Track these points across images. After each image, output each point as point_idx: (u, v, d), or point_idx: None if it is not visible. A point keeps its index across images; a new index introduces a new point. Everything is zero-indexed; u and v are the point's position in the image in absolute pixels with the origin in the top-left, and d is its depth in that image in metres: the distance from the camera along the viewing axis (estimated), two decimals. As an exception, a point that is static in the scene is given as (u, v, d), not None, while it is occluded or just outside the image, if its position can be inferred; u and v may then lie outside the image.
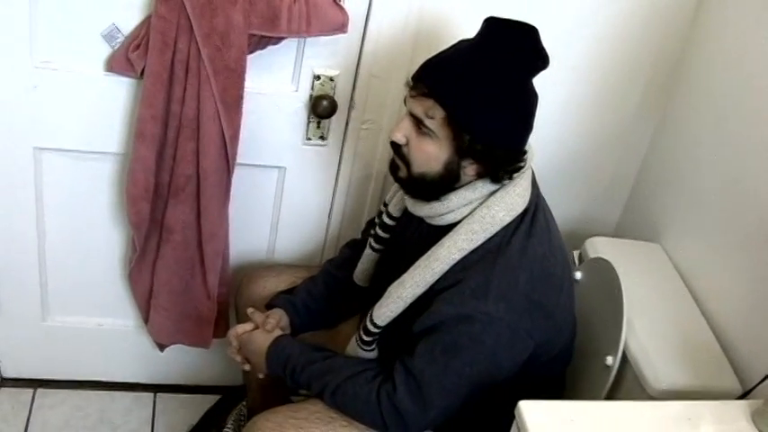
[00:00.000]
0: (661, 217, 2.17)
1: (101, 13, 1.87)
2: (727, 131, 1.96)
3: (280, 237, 2.30)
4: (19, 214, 2.13)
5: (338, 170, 2.19)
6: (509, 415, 1.52)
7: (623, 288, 1.85)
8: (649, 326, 1.87)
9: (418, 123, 1.58)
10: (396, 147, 1.64)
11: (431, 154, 1.59)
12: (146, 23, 1.85)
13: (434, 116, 1.55)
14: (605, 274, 1.92)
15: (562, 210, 1.81)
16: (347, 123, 2.11)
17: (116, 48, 1.91)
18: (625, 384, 1.84)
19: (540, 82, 1.61)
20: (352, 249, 2.06)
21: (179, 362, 2.50)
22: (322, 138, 2.12)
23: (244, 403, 2.35)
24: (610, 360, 1.83)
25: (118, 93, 1.97)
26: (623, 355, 1.83)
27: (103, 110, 2.00)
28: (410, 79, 1.61)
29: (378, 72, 2.03)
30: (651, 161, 2.25)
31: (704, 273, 1.99)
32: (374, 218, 1.96)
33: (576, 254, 2.15)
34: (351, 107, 2.08)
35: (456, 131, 1.54)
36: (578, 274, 2.04)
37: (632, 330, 1.84)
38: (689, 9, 2.08)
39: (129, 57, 1.88)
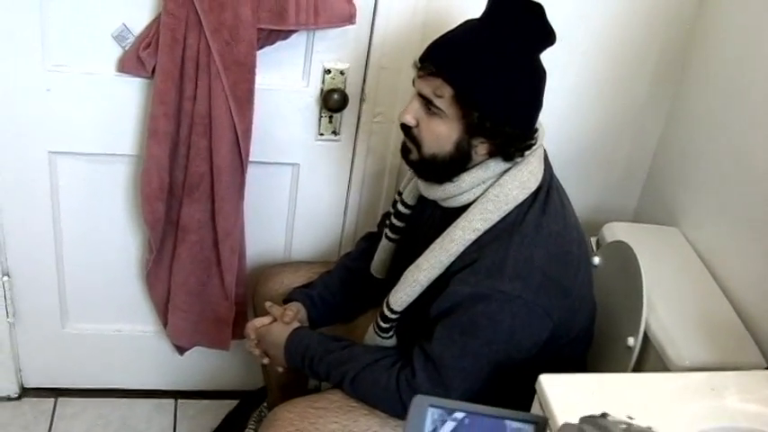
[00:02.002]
0: (678, 201, 2.15)
1: (110, 15, 1.89)
2: (742, 111, 1.94)
3: (296, 235, 2.29)
4: (35, 220, 2.15)
5: (352, 165, 2.19)
6: (531, 399, 1.51)
7: (642, 269, 1.83)
8: (670, 305, 1.85)
9: (427, 104, 1.58)
10: (406, 129, 1.64)
11: (441, 134, 1.58)
12: (155, 22, 1.87)
13: (443, 95, 1.55)
14: (623, 257, 1.90)
15: (579, 199, 1.80)
16: (359, 117, 2.11)
17: (127, 48, 1.93)
18: (647, 365, 1.82)
19: (549, 69, 1.61)
20: (368, 242, 2.05)
21: (199, 367, 2.49)
22: (334, 133, 2.12)
23: (265, 404, 2.35)
24: (631, 341, 1.81)
25: (130, 93, 1.98)
26: (644, 335, 1.81)
27: (116, 111, 2.01)
28: (417, 60, 1.61)
29: (387, 64, 2.03)
30: (666, 145, 2.24)
31: (723, 253, 1.97)
32: (389, 210, 1.95)
33: (593, 240, 2.13)
34: (362, 100, 2.08)
35: (465, 109, 1.54)
36: (596, 260, 2.02)
37: (653, 310, 1.82)
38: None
39: (139, 55, 1.90)
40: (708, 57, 2.08)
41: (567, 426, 0.77)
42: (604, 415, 0.72)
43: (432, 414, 0.78)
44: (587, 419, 0.74)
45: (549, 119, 1.69)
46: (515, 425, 0.77)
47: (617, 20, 2.07)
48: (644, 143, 2.27)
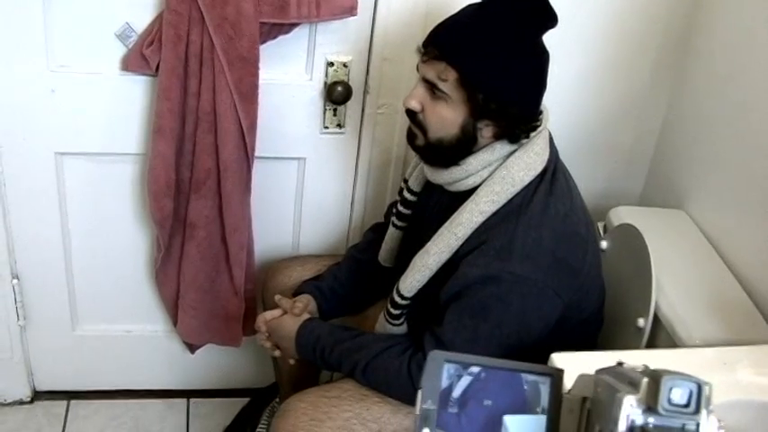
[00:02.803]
0: (684, 183, 2.16)
1: (113, 14, 1.90)
2: (742, 92, 1.95)
3: (303, 229, 2.30)
4: (43, 222, 2.15)
5: (357, 157, 2.19)
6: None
7: (650, 250, 1.83)
8: (679, 286, 1.85)
9: (432, 88, 1.59)
10: (411, 114, 1.64)
11: (446, 118, 1.59)
12: (158, 19, 1.88)
13: (447, 78, 1.55)
14: (631, 239, 1.91)
15: (584, 185, 1.80)
16: (363, 109, 2.12)
17: (130, 46, 1.94)
18: (658, 346, 1.82)
19: (552, 57, 1.62)
20: (376, 233, 2.06)
21: (210, 365, 2.50)
22: (339, 126, 2.13)
23: (277, 400, 2.35)
24: (641, 322, 1.82)
25: (135, 92, 2.00)
26: (655, 316, 1.81)
27: (121, 110, 2.02)
28: (420, 45, 1.62)
29: (390, 55, 2.04)
30: (669, 129, 2.24)
31: (730, 232, 1.97)
32: (396, 199, 1.96)
33: (600, 226, 2.14)
34: (366, 92, 2.09)
35: (469, 91, 1.55)
36: (604, 244, 2.03)
37: (662, 291, 1.82)
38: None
39: (143, 53, 1.91)
40: (708, 40, 2.09)
41: (583, 376, 0.78)
42: (620, 363, 0.73)
43: (448, 369, 0.79)
44: (604, 370, 0.75)
45: (552, 107, 1.70)
46: (531, 378, 0.78)
47: (618, 5, 2.08)
48: (647, 127, 2.27)
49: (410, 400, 1.68)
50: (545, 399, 0.78)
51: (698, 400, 0.70)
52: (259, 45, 1.89)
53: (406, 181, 1.89)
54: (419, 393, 0.79)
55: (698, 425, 0.70)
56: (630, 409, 0.70)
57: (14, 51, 1.90)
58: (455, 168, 1.64)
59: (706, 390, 0.70)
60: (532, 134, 1.63)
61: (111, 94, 2.00)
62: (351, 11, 1.92)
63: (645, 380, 0.70)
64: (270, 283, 2.13)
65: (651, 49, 2.16)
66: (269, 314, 1.93)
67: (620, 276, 1.93)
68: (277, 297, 1.95)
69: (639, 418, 0.70)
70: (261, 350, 2.32)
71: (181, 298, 2.20)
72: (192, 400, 2.56)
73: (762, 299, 1.81)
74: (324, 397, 1.75)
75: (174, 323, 2.29)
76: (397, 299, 1.73)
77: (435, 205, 1.78)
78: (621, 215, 2.09)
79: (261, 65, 1.91)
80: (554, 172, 1.66)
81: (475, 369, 0.79)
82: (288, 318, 1.89)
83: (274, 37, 1.94)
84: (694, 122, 2.13)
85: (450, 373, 0.79)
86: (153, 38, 1.89)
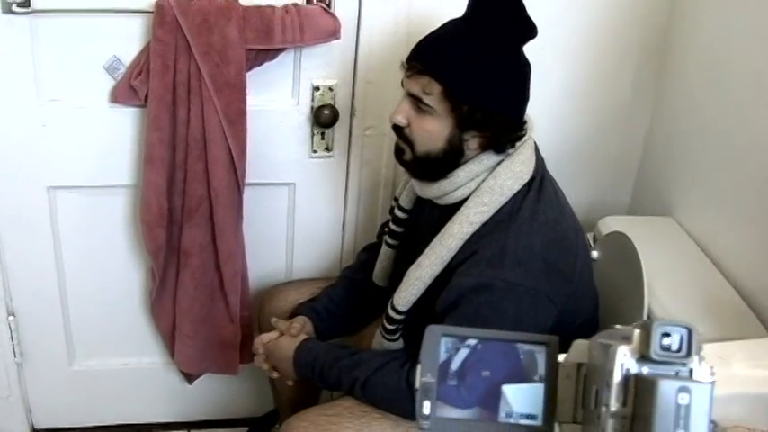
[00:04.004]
0: (671, 191, 2.18)
1: (101, 47, 1.93)
2: (722, 98, 1.98)
3: (296, 254, 2.31)
4: (38, 257, 2.16)
5: (347, 180, 2.22)
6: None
7: (641, 257, 1.85)
8: (671, 290, 1.87)
9: (417, 102, 1.61)
10: (398, 130, 1.67)
11: (433, 131, 1.61)
12: (145, 50, 1.91)
13: (432, 92, 1.58)
14: (621, 247, 1.92)
15: (573, 197, 1.82)
16: (350, 132, 2.14)
17: (118, 78, 1.96)
18: (653, 350, 1.83)
19: (533, 72, 1.65)
20: (369, 253, 2.07)
21: (209, 396, 2.50)
22: (327, 149, 2.15)
23: (278, 426, 2.35)
24: (635, 327, 1.83)
25: (124, 123, 2.02)
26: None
27: (112, 142, 2.04)
28: (404, 61, 1.65)
29: (374, 77, 2.07)
30: (653, 138, 2.27)
31: (718, 236, 1.99)
32: (387, 218, 1.98)
33: (590, 236, 2.16)
34: (352, 114, 2.11)
35: (454, 103, 1.57)
36: (595, 254, 2.03)
37: (654, 296, 1.83)
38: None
39: (132, 84, 1.93)
40: (686, 48, 2.12)
41: (578, 343, 0.79)
42: (613, 327, 0.75)
43: (445, 343, 0.81)
44: (598, 335, 0.77)
45: (537, 121, 1.73)
46: (527, 347, 0.80)
47: (593, 19, 2.12)
48: (632, 138, 2.30)
49: (410, 415, 1.69)
50: (542, 367, 0.80)
51: (689, 344, 0.72)
52: (245, 71, 1.92)
53: (396, 199, 1.91)
54: (418, 367, 0.81)
55: (691, 370, 0.72)
56: (624, 358, 0.72)
57: (4, 87, 1.92)
58: (443, 181, 1.66)
59: (696, 334, 0.72)
60: (518, 144, 1.65)
61: (101, 127, 2.02)
62: (334, 34, 1.96)
63: (636, 331, 0.72)
64: (266, 308, 2.14)
65: (631, 61, 2.20)
66: (266, 336, 1.93)
67: (612, 284, 1.94)
68: (273, 319, 1.96)
69: (634, 367, 0.72)
70: (259, 378, 2.34)
71: (177, 328, 2.21)
72: (191, 432, 2.56)
73: (752, 296, 1.83)
74: (324, 415, 1.75)
75: (172, 354, 2.29)
76: (392, 313, 1.74)
77: (426, 221, 1.80)
78: (611, 225, 2.10)
79: (248, 92, 1.94)
80: (541, 180, 1.68)
81: (472, 341, 0.81)
82: (285, 339, 1.89)
83: (260, 63, 1.97)
84: (678, 131, 2.16)
85: (447, 347, 0.81)
86: (141, 68, 1.92)
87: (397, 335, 1.78)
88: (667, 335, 0.72)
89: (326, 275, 2.28)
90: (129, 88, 1.95)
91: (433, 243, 1.67)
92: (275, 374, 1.93)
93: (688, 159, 2.12)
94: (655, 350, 0.70)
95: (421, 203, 1.83)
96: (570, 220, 1.71)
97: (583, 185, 2.32)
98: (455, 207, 1.67)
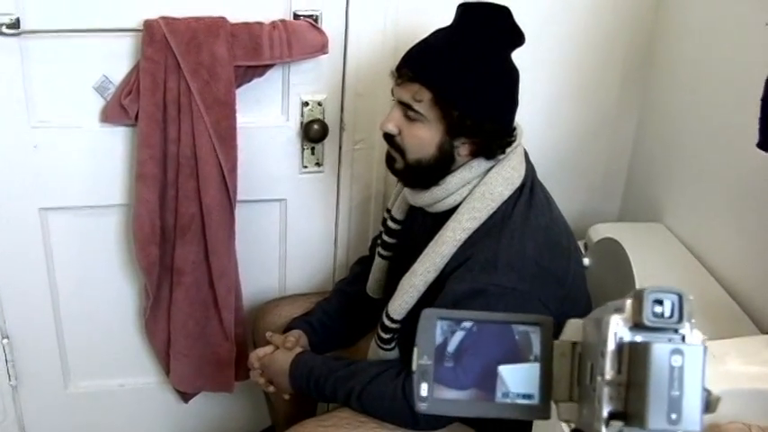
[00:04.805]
0: (660, 197, 2.20)
1: (91, 67, 1.94)
2: (707, 104, 2.01)
3: (289, 270, 2.32)
4: (31, 279, 2.16)
5: (338, 195, 2.23)
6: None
7: (632, 262, 1.87)
8: (663, 293, 1.88)
9: (407, 110, 1.63)
10: (389, 138, 1.69)
11: (423, 138, 1.63)
12: (135, 70, 1.92)
13: (422, 99, 1.60)
14: (612, 252, 1.95)
15: (563, 206, 1.83)
16: (340, 147, 2.16)
17: (108, 98, 1.97)
18: (648, 353, 1.84)
19: (520, 83, 1.67)
20: (362, 265, 2.08)
21: (205, 414, 2.49)
22: (318, 164, 2.16)
23: (274, 442, 2.34)
24: (629, 331, 1.83)
25: (115, 143, 2.03)
26: (641, 324, 1.83)
27: (103, 162, 2.05)
28: (394, 70, 1.67)
29: (363, 90, 2.09)
30: (641, 145, 2.30)
31: (707, 239, 2.01)
32: (379, 232, 1.99)
33: (581, 244, 2.17)
34: (342, 129, 2.13)
35: (444, 109, 1.59)
36: (586, 261, 2.05)
37: (647, 299, 1.85)
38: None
39: (122, 103, 1.94)
40: (670, 55, 2.15)
41: (572, 322, 0.81)
42: (605, 304, 0.76)
43: (441, 326, 0.82)
44: (592, 312, 0.78)
45: (524, 131, 1.75)
46: (521, 328, 0.81)
47: (577, 28, 2.14)
48: (620, 145, 2.33)
49: (407, 424, 1.70)
50: (536, 347, 0.81)
51: (680, 310, 0.73)
52: (235, 88, 1.94)
53: (389, 211, 1.92)
54: (415, 350, 0.82)
55: (683, 336, 0.73)
56: (617, 327, 0.73)
57: (-5, 109, 1.93)
58: (435, 189, 1.68)
59: (687, 300, 0.73)
60: (508, 150, 1.67)
61: (93, 147, 2.03)
62: (322, 49, 1.98)
63: (629, 301, 0.74)
64: (260, 324, 2.14)
65: (616, 70, 2.22)
66: (261, 351, 1.94)
67: (605, 291, 1.95)
68: (268, 334, 1.96)
69: (627, 335, 0.73)
70: (255, 395, 2.34)
71: (172, 346, 2.21)
72: (188, 452, 2.54)
73: (743, 297, 1.85)
74: (321, 426, 1.76)
75: (167, 372, 2.29)
76: (387, 322, 1.75)
77: (419, 230, 1.81)
78: (601, 232, 2.12)
79: (238, 109, 1.95)
80: (532, 186, 1.70)
81: (467, 324, 0.82)
82: (280, 353, 1.90)
83: (249, 80, 1.99)
84: (664, 139, 2.18)
85: (443, 330, 0.82)
86: (131, 87, 1.93)
87: (393, 344, 1.79)
88: (659, 302, 0.72)
89: (320, 290, 2.29)
90: (120, 107, 1.95)
91: (426, 250, 1.68)
92: (271, 389, 1.93)
93: (675, 166, 2.14)
94: (647, 316, 0.71)
95: (413, 214, 1.84)
96: (561, 226, 1.73)
97: (573, 194, 2.34)
98: (447, 214, 1.69)
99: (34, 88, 1.94)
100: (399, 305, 1.72)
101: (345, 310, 2.04)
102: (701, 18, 2.03)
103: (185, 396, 2.38)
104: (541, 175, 1.80)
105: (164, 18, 1.87)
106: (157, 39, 1.86)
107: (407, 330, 1.75)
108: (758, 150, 1.55)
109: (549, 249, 1.64)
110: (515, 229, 1.62)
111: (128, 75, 1.94)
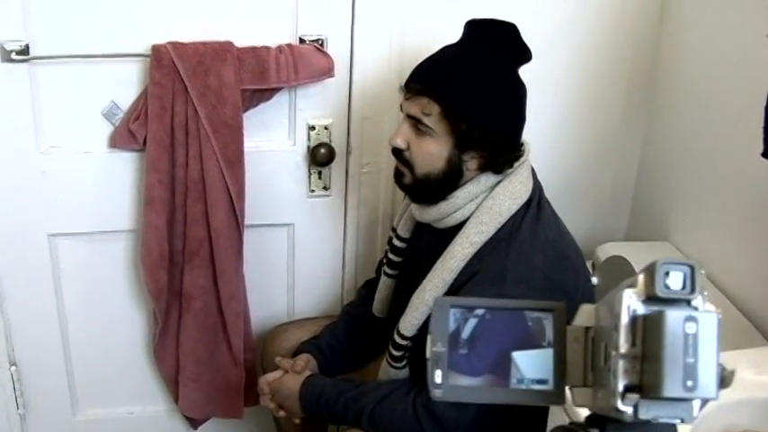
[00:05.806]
0: (666, 215, 2.21)
1: (99, 93, 1.96)
2: (712, 121, 2.02)
3: (297, 294, 2.32)
4: (39, 306, 2.16)
5: (345, 219, 2.23)
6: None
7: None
8: (672, 309, 1.87)
9: (416, 124, 1.64)
10: (397, 153, 1.69)
11: (432, 152, 1.64)
12: (143, 95, 1.94)
13: (431, 112, 1.61)
14: (620, 269, 1.95)
15: (570, 226, 1.83)
16: (347, 170, 2.17)
17: (117, 123, 1.99)
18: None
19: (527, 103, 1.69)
20: (369, 288, 2.08)
21: (214, 441, 2.48)
22: (325, 188, 2.17)
23: (283, 469, 2.32)
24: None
25: (124, 168, 2.04)
26: (652, 340, 1.83)
27: (111, 188, 2.06)
28: (403, 85, 1.68)
29: (369, 114, 2.10)
30: (647, 164, 2.31)
31: (715, 256, 2.01)
32: (385, 250, 1.99)
33: (589, 264, 2.17)
34: (348, 152, 2.14)
35: (453, 123, 1.60)
36: (595, 280, 2.05)
37: (656, 316, 1.84)
38: (655, 8, 2.17)
39: (130, 128, 1.96)
40: (674, 73, 2.17)
41: (584, 307, 0.81)
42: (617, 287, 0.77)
43: (454, 314, 0.82)
44: (605, 297, 0.79)
45: (532, 151, 1.75)
46: (534, 314, 0.81)
47: (581, 49, 2.16)
48: (626, 165, 2.34)
49: (418, 442, 1.68)
50: (549, 333, 0.81)
51: (692, 281, 0.73)
52: (242, 112, 1.95)
53: (394, 229, 1.92)
54: (429, 338, 0.82)
55: (696, 308, 0.73)
56: (630, 300, 0.73)
57: (4, 134, 1.95)
58: (443, 203, 1.68)
59: (699, 271, 0.73)
60: (516, 164, 1.68)
61: (101, 173, 2.04)
62: (328, 72, 1.99)
63: (641, 275, 0.74)
64: (269, 349, 2.13)
65: (621, 89, 2.24)
66: (271, 375, 1.93)
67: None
68: (278, 359, 1.95)
69: (640, 308, 0.73)
70: (264, 421, 2.33)
71: (181, 372, 2.20)
72: (197, 480, 2.52)
73: (752, 313, 1.85)
74: (332, 447, 1.75)
75: (176, 399, 2.28)
76: (398, 339, 1.75)
77: (426, 247, 1.81)
78: (609, 251, 2.12)
79: (245, 133, 1.97)
80: (539, 201, 1.71)
81: (480, 311, 0.82)
82: (290, 376, 1.89)
83: (256, 104, 2.00)
84: (670, 159, 2.19)
85: (456, 317, 0.82)
86: (139, 113, 1.95)
87: (404, 362, 1.78)
88: (670, 274, 0.73)
89: (328, 314, 2.29)
90: (128, 132, 1.97)
91: (435, 266, 1.68)
92: (282, 414, 1.91)
93: (680, 185, 2.15)
94: (659, 288, 0.72)
95: (419, 231, 1.84)
96: (569, 239, 1.73)
97: (580, 213, 2.34)
98: (454, 230, 1.69)
99: (43, 114, 1.96)
100: (410, 322, 1.71)
101: (353, 332, 2.04)
102: (704, 41, 2.05)
103: (194, 423, 2.37)
104: (549, 194, 1.81)
105: (171, 43, 1.89)
106: (165, 63, 1.88)
107: (418, 348, 1.75)
108: (765, 168, 1.56)
109: (557, 263, 1.64)
110: (524, 242, 1.62)
111: (136, 100, 1.96)
